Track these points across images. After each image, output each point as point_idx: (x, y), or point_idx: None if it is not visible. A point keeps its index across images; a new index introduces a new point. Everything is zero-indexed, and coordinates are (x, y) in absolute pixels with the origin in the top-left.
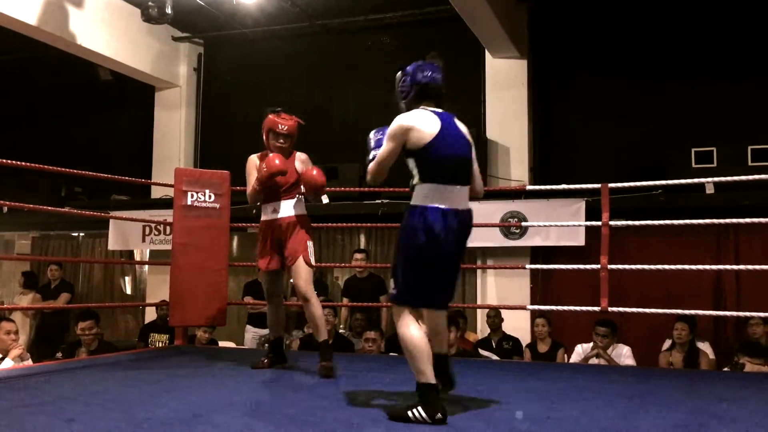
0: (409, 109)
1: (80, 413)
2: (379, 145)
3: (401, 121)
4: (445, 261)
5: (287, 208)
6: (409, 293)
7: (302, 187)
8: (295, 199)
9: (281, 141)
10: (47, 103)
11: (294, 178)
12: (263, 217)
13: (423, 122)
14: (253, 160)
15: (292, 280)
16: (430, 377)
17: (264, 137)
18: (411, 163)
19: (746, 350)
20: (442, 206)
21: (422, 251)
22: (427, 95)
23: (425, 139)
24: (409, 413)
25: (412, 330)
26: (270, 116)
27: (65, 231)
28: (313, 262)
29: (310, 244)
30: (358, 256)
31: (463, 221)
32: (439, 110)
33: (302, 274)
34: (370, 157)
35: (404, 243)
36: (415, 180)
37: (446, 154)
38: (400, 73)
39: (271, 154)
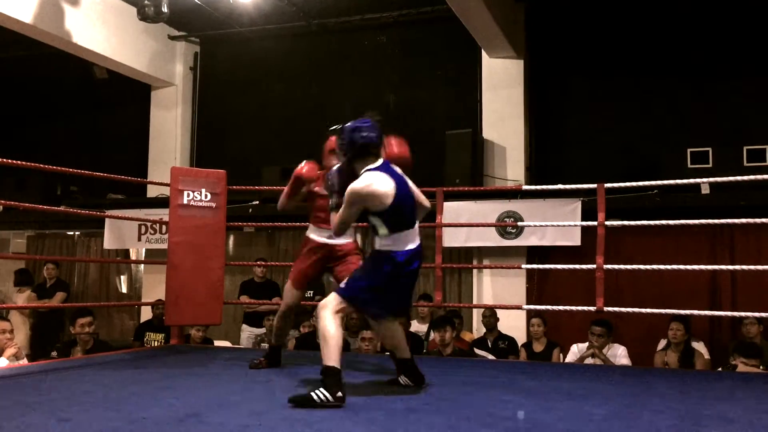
0: (350, 164)
1: (75, 412)
2: (333, 188)
3: (359, 190)
4: (406, 290)
5: (346, 236)
6: (361, 298)
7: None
8: (352, 228)
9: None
10: (43, 102)
11: None
12: (316, 238)
13: (379, 186)
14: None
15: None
16: (335, 362)
17: (324, 159)
18: (376, 221)
19: (741, 351)
20: (409, 247)
21: (388, 284)
22: (367, 153)
23: (387, 200)
24: (313, 395)
25: (330, 326)
26: (331, 138)
27: (61, 230)
28: None
29: None
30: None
31: (421, 253)
32: (380, 163)
33: None
34: (333, 203)
35: (373, 270)
36: (383, 231)
37: (404, 205)
38: (338, 130)
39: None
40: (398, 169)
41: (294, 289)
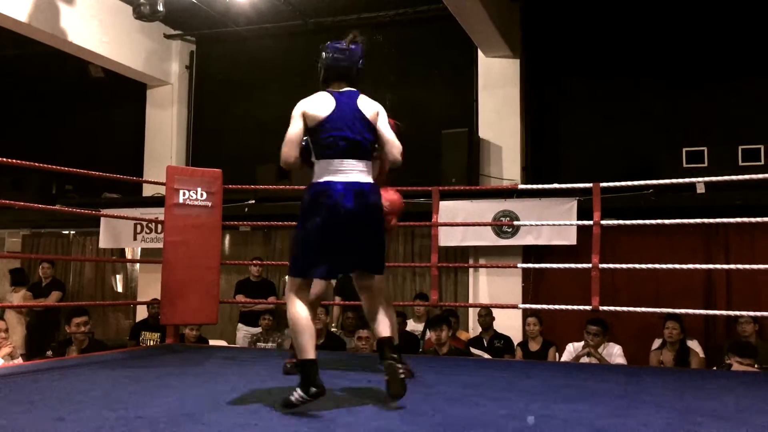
0: (323, 87)
1: (70, 412)
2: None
3: (299, 103)
4: (337, 230)
5: None
6: (296, 265)
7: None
8: None
9: None
10: (38, 101)
11: None
12: None
13: (315, 105)
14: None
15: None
16: (309, 353)
17: None
18: (306, 141)
19: (736, 350)
20: (334, 179)
21: (313, 223)
22: (333, 77)
23: (317, 119)
24: (291, 398)
25: (298, 308)
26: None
27: (56, 229)
28: None
29: None
30: None
31: (357, 192)
32: (343, 90)
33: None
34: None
35: (299, 219)
36: (313, 158)
37: (336, 134)
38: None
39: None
40: (364, 106)
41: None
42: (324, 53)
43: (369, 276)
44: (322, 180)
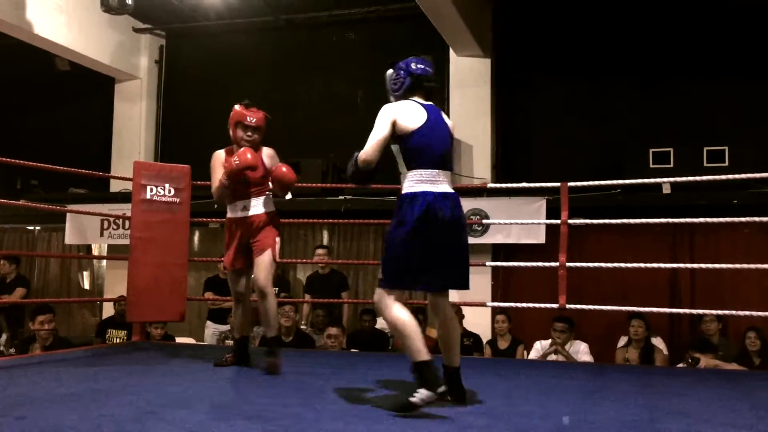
0: (398, 100)
1: (32, 410)
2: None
3: (388, 107)
4: (432, 242)
5: (258, 206)
6: (395, 276)
7: (270, 183)
8: (265, 196)
9: (249, 134)
10: (3, 94)
11: (262, 173)
12: (231, 215)
13: (408, 112)
14: (219, 155)
15: (253, 274)
16: (424, 354)
17: (231, 132)
18: (395, 150)
19: (698, 347)
20: (431, 189)
21: (407, 234)
22: (418, 87)
23: (409, 128)
24: (413, 399)
25: (397, 311)
26: (237, 108)
27: (21, 224)
28: (278, 258)
29: (278, 240)
30: (320, 251)
31: (452, 203)
32: (428, 103)
33: (266, 268)
34: (352, 160)
35: (391, 229)
36: (401, 169)
37: (430, 143)
38: (391, 69)
39: (242, 148)
40: (448, 121)
41: (229, 273)
42: (414, 64)
43: (446, 294)
44: (414, 191)
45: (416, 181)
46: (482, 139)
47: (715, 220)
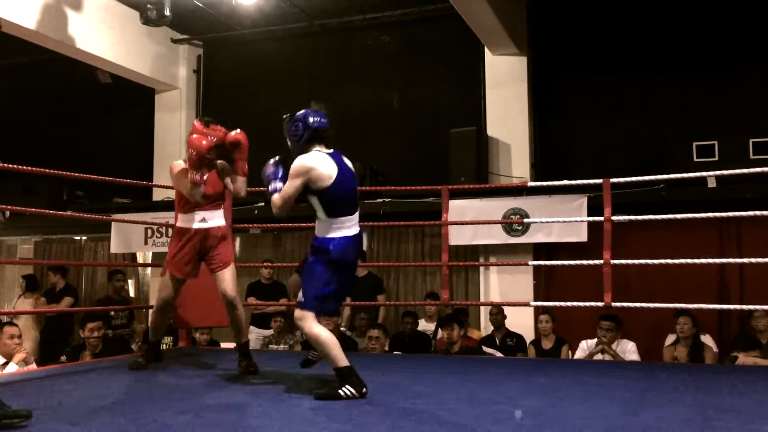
0: (302, 150)
1: (85, 417)
2: (276, 176)
3: (303, 161)
4: (347, 278)
5: (218, 218)
6: (319, 303)
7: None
8: (222, 209)
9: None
10: (47, 107)
11: (221, 188)
12: (186, 225)
13: (321, 168)
14: (179, 164)
15: (221, 286)
16: (345, 361)
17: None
18: (314, 201)
19: (740, 344)
20: (348, 234)
21: (329, 272)
22: (317, 138)
23: (326, 181)
24: (341, 392)
25: (317, 327)
26: (196, 125)
27: (67, 235)
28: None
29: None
30: None
31: (360, 241)
32: (331, 151)
33: (233, 279)
34: (271, 188)
35: (313, 264)
36: (321, 215)
37: (344, 193)
38: (288, 117)
39: (194, 135)
40: (350, 163)
41: (174, 279)
42: (310, 117)
43: None
44: (335, 236)
45: (337, 228)
46: (520, 137)
47: (762, 213)
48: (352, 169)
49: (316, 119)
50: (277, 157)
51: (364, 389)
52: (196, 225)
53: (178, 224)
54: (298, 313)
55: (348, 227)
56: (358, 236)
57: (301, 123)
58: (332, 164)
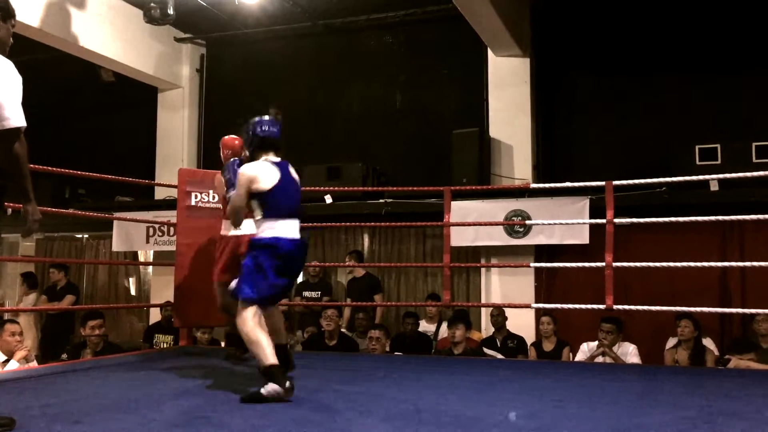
0: (252, 156)
1: (86, 415)
2: (231, 183)
3: (244, 171)
4: (286, 278)
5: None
6: (255, 294)
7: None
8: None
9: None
10: (50, 105)
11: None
12: (224, 231)
13: (263, 175)
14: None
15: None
16: (271, 359)
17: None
18: (254, 204)
19: (735, 347)
20: (284, 236)
21: (268, 271)
22: (265, 146)
23: (265, 188)
24: (263, 391)
25: (251, 324)
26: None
27: (69, 233)
28: None
29: None
30: (348, 258)
31: (303, 248)
32: (278, 159)
33: None
34: (230, 193)
35: (250, 263)
36: (258, 216)
37: (284, 196)
38: (244, 123)
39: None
40: (294, 174)
41: (220, 285)
42: (259, 126)
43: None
44: (271, 236)
45: (272, 229)
46: (523, 139)
47: (765, 216)
48: (297, 181)
49: (264, 128)
50: (236, 160)
51: (288, 384)
52: (231, 232)
53: (221, 231)
54: (238, 309)
55: (285, 231)
56: (297, 242)
57: (251, 131)
58: (275, 173)
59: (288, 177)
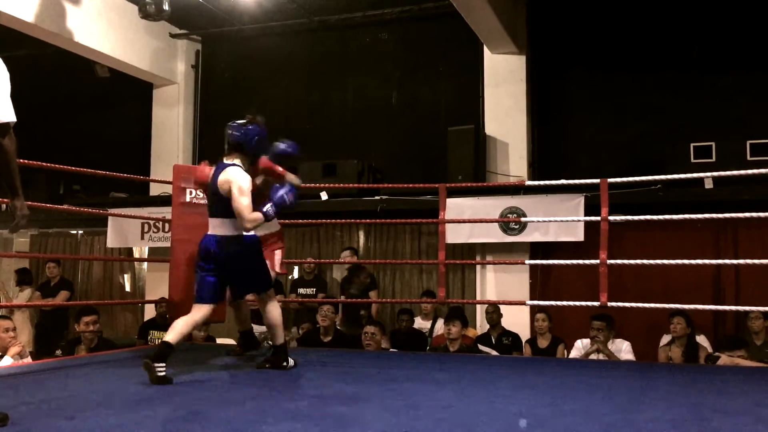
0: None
1: (80, 410)
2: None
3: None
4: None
5: (269, 227)
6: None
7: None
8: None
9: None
10: (45, 101)
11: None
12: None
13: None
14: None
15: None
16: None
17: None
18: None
19: (726, 344)
20: (210, 233)
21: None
22: (229, 148)
23: (205, 185)
24: (285, 363)
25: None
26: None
27: (64, 228)
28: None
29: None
30: (345, 254)
31: (217, 243)
32: (221, 161)
33: None
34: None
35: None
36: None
37: (207, 195)
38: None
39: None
40: (221, 174)
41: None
42: (227, 129)
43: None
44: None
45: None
46: (518, 136)
47: (759, 214)
48: (218, 182)
49: (227, 131)
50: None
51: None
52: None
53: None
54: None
55: (210, 229)
56: (214, 238)
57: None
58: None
59: (214, 177)
